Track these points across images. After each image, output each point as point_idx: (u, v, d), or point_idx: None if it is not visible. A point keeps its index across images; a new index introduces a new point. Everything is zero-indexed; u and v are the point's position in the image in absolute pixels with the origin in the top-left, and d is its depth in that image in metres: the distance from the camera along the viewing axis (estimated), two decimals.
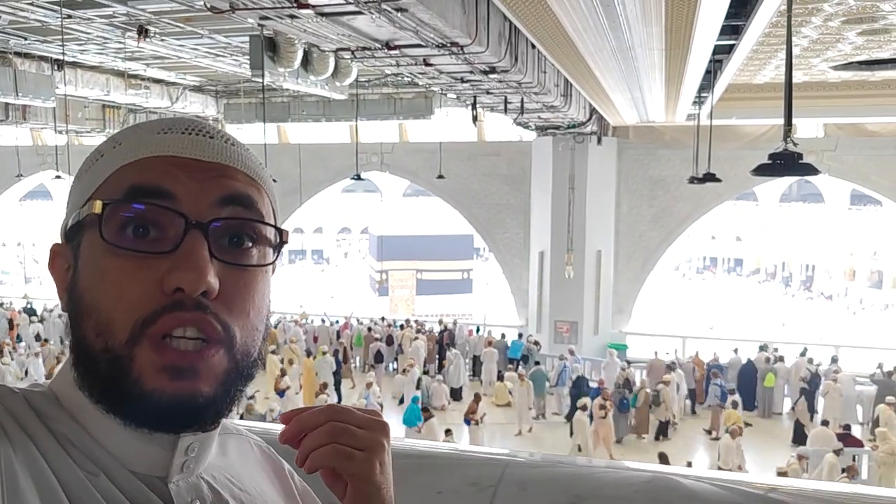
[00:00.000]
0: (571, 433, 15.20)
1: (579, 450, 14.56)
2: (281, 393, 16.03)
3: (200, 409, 0.76)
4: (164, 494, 0.78)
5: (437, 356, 20.69)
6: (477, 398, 15.59)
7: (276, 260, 0.83)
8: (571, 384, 17.42)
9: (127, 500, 0.74)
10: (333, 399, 16.56)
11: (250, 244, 0.80)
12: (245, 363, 0.79)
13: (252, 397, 15.43)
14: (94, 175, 0.80)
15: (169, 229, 0.75)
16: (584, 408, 15.05)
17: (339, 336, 21.69)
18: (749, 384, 17.70)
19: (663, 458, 12.78)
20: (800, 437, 15.51)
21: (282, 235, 0.83)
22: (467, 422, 15.22)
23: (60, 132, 19.05)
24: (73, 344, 0.77)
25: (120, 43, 13.78)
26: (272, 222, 0.82)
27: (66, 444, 0.75)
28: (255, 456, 0.95)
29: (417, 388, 17.09)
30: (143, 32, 12.56)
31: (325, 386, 16.37)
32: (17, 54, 14.77)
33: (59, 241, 0.82)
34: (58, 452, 0.73)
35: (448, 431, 13.90)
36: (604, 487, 1.27)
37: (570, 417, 16.76)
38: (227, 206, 0.78)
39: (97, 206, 0.75)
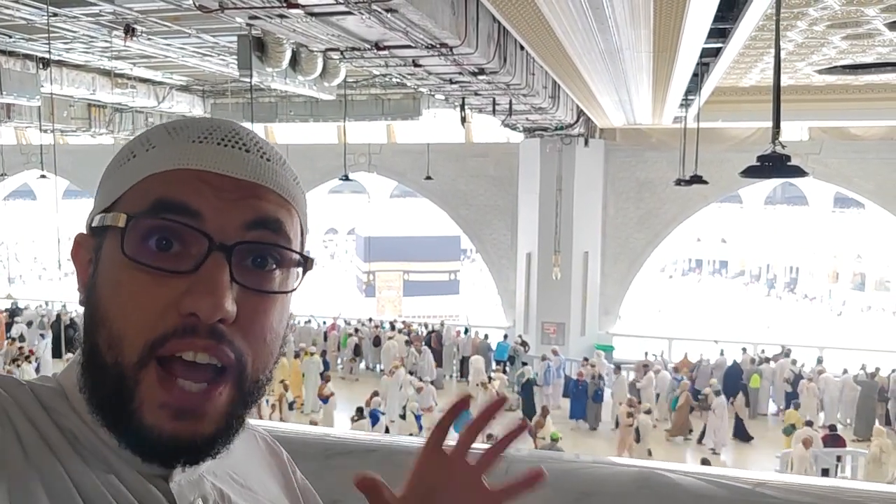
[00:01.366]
0: (638, 439, 14.57)
1: (649, 454, 14.22)
2: (325, 400, 15.97)
3: (199, 448, 0.75)
4: (167, 493, 0.77)
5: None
6: (545, 412, 14.70)
7: (297, 287, 0.81)
8: (521, 387, 17.45)
9: (133, 497, 0.74)
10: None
11: (274, 266, 0.77)
12: (252, 390, 0.78)
13: (292, 403, 15.24)
14: (122, 177, 0.78)
15: (192, 247, 0.73)
16: (648, 411, 14.89)
17: (325, 337, 21.68)
18: (735, 385, 17.82)
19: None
20: (740, 431, 16.06)
21: (307, 263, 0.80)
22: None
23: (45, 131, 18.87)
24: (86, 348, 0.76)
25: (106, 42, 13.66)
26: (299, 247, 0.80)
27: (72, 441, 0.74)
28: (258, 449, 0.95)
29: (401, 388, 17.04)
30: (129, 31, 12.45)
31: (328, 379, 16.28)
32: (2, 52, 14.62)
33: (85, 231, 0.81)
34: (66, 448, 0.73)
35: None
36: (610, 485, 1.29)
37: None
38: (254, 230, 0.76)
39: (121, 219, 0.74)
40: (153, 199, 0.74)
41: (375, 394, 16.03)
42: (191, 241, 0.73)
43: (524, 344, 20.79)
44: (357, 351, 20.76)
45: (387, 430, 15.08)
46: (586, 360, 18.75)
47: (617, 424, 15.73)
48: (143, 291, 0.72)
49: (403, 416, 15.67)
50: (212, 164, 0.76)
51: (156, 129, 0.81)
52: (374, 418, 14.66)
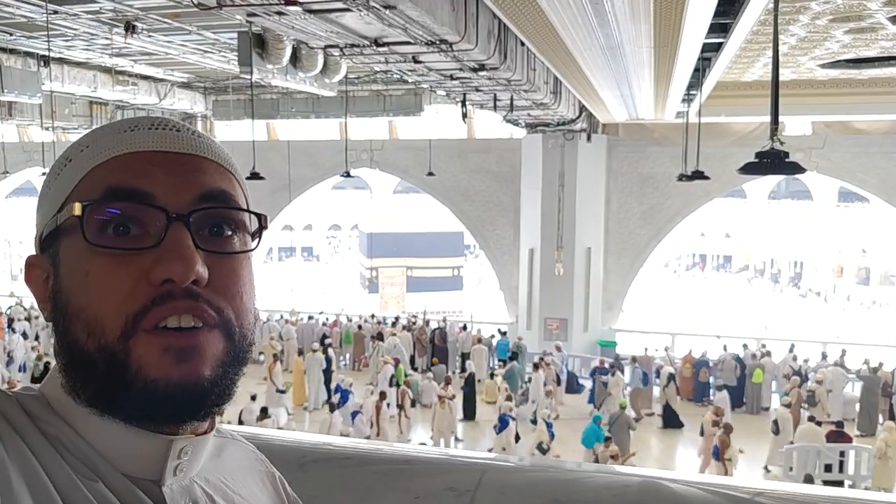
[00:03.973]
0: (777, 431, 13.64)
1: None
2: None
3: (205, 394, 0.75)
4: (158, 497, 0.77)
5: (430, 353, 20.79)
6: (728, 429, 13.16)
7: (257, 245, 0.83)
8: (465, 382, 17.38)
9: (120, 503, 0.74)
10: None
11: (230, 233, 0.80)
12: (241, 346, 0.79)
13: (414, 400, 14.93)
14: (64, 181, 0.79)
15: (150, 225, 0.74)
16: (788, 405, 14.41)
17: (327, 335, 21.71)
18: (738, 380, 17.79)
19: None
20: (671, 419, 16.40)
21: (261, 220, 0.82)
22: (715, 455, 12.90)
23: (47, 129, 18.92)
24: (63, 350, 0.76)
25: (107, 39, 13.66)
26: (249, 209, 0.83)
27: (58, 447, 0.74)
28: (249, 462, 0.96)
29: (391, 385, 16.87)
30: (130, 28, 12.46)
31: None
32: (3, 50, 14.62)
33: (34, 252, 0.81)
34: (51, 455, 0.73)
35: None
36: (584, 492, 1.26)
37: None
38: (205, 202, 0.78)
39: (77, 208, 0.74)
40: (104, 187, 0.75)
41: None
42: (148, 220, 0.75)
43: (504, 335, 20.88)
44: (322, 340, 20.93)
45: (517, 438, 14.46)
46: (542, 359, 18.52)
47: (702, 433, 14.29)
48: (113, 273, 0.73)
49: (534, 422, 15.14)
50: (149, 144, 0.78)
51: (85, 135, 0.83)
52: (504, 423, 14.28)
